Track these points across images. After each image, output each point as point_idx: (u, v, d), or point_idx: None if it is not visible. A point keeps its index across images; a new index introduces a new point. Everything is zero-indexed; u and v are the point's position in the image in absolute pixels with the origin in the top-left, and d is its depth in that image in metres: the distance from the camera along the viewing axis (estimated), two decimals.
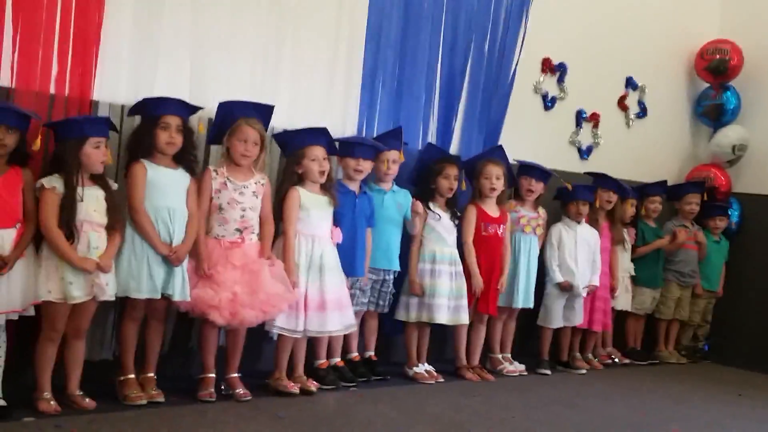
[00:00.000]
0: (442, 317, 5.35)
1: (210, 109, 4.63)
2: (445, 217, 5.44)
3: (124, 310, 4.30)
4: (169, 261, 4.21)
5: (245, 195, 4.51)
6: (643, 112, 7.34)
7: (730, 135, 7.41)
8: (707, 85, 7.59)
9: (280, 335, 4.69)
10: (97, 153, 3.97)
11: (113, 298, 4.06)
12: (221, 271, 4.37)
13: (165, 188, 4.26)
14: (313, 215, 4.72)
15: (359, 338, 5.30)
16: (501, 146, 5.87)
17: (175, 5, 4.65)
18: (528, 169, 5.90)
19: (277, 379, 4.70)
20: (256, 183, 4.56)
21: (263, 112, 4.64)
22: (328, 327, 4.71)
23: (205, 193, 4.45)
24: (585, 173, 6.54)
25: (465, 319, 5.44)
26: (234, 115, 4.53)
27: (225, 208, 4.46)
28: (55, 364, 3.98)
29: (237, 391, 4.48)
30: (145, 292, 4.17)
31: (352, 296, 5.00)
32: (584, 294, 6.09)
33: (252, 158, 4.55)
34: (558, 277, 6.00)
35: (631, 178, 6.77)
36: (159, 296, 4.22)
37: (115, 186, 4.15)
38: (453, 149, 5.94)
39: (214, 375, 4.48)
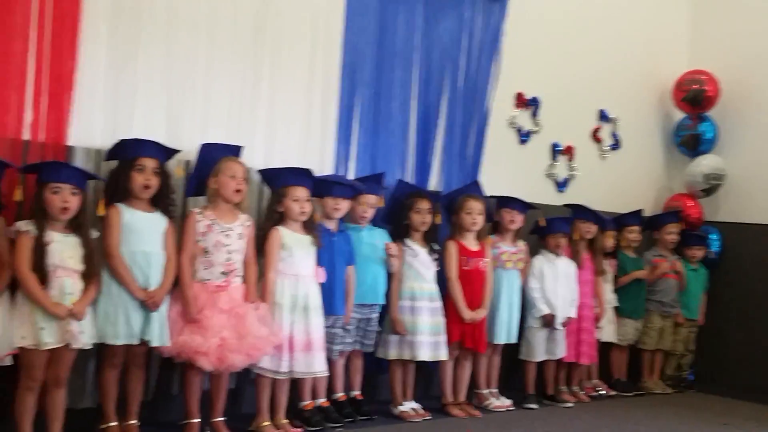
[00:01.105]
0: (424, 354, 5.32)
1: (187, 152, 4.61)
2: (423, 252, 5.43)
3: (103, 357, 4.22)
4: (146, 306, 4.15)
5: (231, 237, 4.47)
6: (616, 144, 7.41)
7: (702, 164, 7.48)
8: (681, 115, 7.67)
9: (257, 377, 4.62)
10: (55, 199, 3.89)
11: (89, 346, 4.00)
12: (209, 316, 4.31)
13: (141, 232, 4.22)
14: (296, 255, 4.69)
15: (344, 377, 5.24)
16: (477, 181, 5.91)
17: (149, 49, 4.65)
18: (508, 202, 5.92)
19: (260, 425, 4.63)
20: (241, 225, 4.54)
21: (235, 152, 4.63)
22: (315, 368, 4.66)
23: (190, 237, 4.41)
24: (564, 205, 6.56)
25: (444, 355, 5.40)
26: (212, 156, 4.51)
27: (211, 251, 4.41)
28: (37, 413, 3.89)
29: None
30: (122, 338, 4.11)
31: (335, 335, 4.96)
32: (561, 328, 6.06)
33: (244, 194, 4.52)
34: (544, 308, 5.98)
35: (608, 209, 6.79)
36: (137, 342, 4.16)
37: (95, 234, 4.09)
38: (432, 185, 5.96)
39: (198, 420, 4.41)
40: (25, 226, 3.86)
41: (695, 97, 7.46)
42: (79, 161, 4.34)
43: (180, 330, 4.30)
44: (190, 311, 4.30)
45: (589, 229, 6.39)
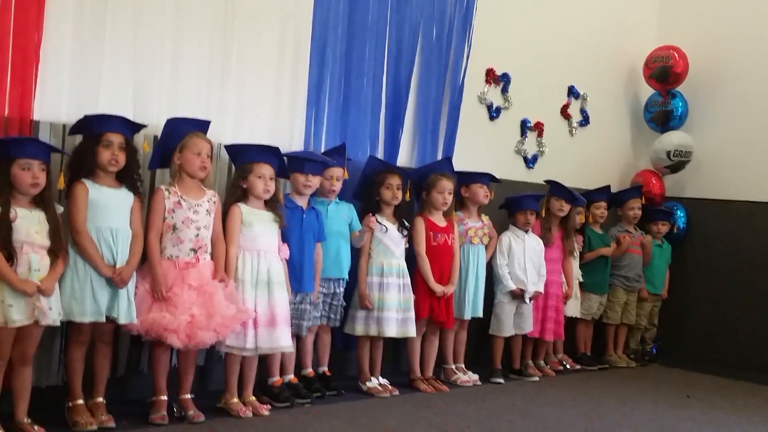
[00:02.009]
0: (391, 330, 5.34)
1: (154, 127, 4.56)
2: (393, 228, 5.44)
3: (69, 335, 4.20)
4: (114, 283, 4.11)
5: (199, 213, 4.44)
6: (585, 120, 7.45)
7: (664, 141, 7.56)
8: (651, 91, 7.73)
9: (226, 354, 4.62)
10: (24, 175, 3.83)
11: (57, 323, 3.95)
12: (178, 293, 4.28)
13: (108, 208, 4.16)
14: (257, 230, 4.66)
15: (313, 354, 5.26)
16: (449, 158, 5.92)
17: (116, 22, 4.57)
18: (480, 177, 5.92)
19: (228, 402, 4.63)
20: (208, 201, 4.50)
21: (202, 127, 4.58)
22: (280, 342, 4.65)
23: (158, 214, 4.36)
24: (545, 181, 6.58)
25: (412, 331, 5.43)
26: (178, 130, 4.46)
27: (179, 227, 4.38)
28: (2, 391, 3.86)
29: (190, 412, 4.40)
30: (88, 316, 4.06)
31: (304, 311, 4.97)
32: (529, 302, 6.13)
33: (209, 170, 4.49)
34: (510, 284, 6.04)
35: (576, 185, 6.83)
36: (103, 319, 4.11)
37: (60, 209, 4.04)
38: (405, 162, 5.98)
39: (166, 397, 4.39)
40: None
41: (662, 73, 7.50)
42: (44, 136, 4.27)
43: (149, 307, 4.27)
44: (159, 289, 4.27)
45: (563, 207, 6.43)
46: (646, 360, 7.26)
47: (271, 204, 4.75)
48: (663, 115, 7.63)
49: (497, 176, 6.05)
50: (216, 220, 4.55)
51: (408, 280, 5.47)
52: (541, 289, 6.20)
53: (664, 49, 7.53)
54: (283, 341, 4.67)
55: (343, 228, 5.27)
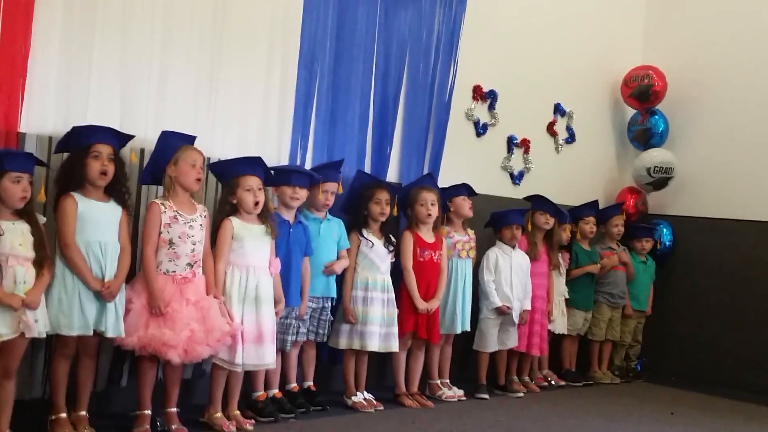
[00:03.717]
0: (374, 345, 5.34)
1: (142, 139, 4.56)
2: (379, 244, 5.45)
3: (55, 348, 4.17)
4: (102, 296, 4.10)
5: (194, 228, 4.44)
6: (571, 138, 7.49)
7: (644, 158, 7.61)
8: (634, 110, 7.78)
9: (213, 368, 4.61)
10: (15, 188, 3.84)
11: (43, 336, 3.93)
12: (177, 308, 4.27)
13: (96, 222, 4.15)
14: (248, 246, 4.66)
15: (298, 368, 5.25)
16: (431, 174, 5.95)
17: (104, 35, 4.59)
18: (459, 189, 5.96)
19: (212, 416, 4.61)
20: (200, 216, 4.51)
21: (191, 141, 4.59)
22: (266, 359, 4.64)
23: (154, 228, 4.35)
24: (525, 198, 6.61)
25: (395, 346, 5.43)
26: (170, 144, 4.46)
27: (176, 242, 4.37)
28: None
29: (173, 426, 4.39)
30: (76, 329, 4.05)
31: (289, 326, 4.97)
32: (518, 321, 6.13)
33: (202, 182, 4.50)
34: (497, 301, 6.04)
35: (562, 202, 6.87)
36: (91, 333, 4.10)
37: (43, 219, 4.04)
38: (392, 177, 6.00)
39: (149, 411, 4.37)
40: None
41: (641, 92, 7.57)
42: (30, 148, 4.27)
43: (146, 322, 4.25)
44: (157, 304, 4.25)
45: (548, 220, 6.46)
46: (630, 376, 7.27)
47: (263, 215, 4.75)
48: (643, 133, 7.69)
49: (485, 192, 6.07)
50: (206, 235, 4.55)
51: (392, 295, 5.47)
52: (528, 307, 6.22)
53: (642, 68, 7.62)
54: (269, 358, 4.66)
55: (334, 245, 5.28)
